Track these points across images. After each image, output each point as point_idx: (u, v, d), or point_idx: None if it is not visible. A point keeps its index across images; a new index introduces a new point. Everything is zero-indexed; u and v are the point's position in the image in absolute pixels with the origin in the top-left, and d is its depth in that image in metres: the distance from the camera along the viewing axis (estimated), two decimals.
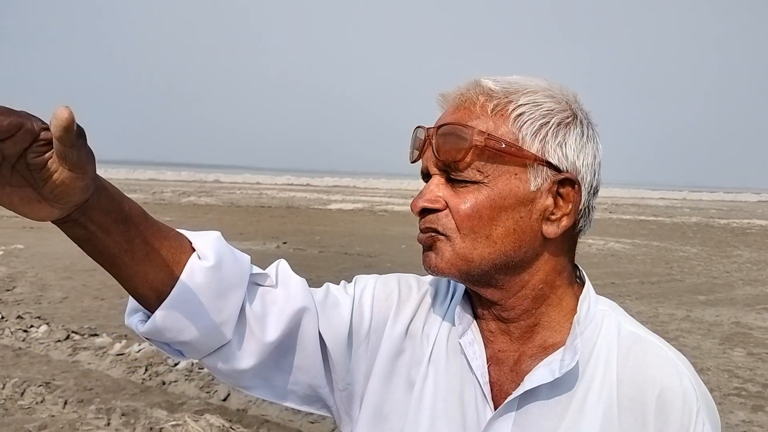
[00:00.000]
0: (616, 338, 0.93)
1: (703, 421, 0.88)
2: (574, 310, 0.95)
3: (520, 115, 0.90)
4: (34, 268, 10.43)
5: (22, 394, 4.93)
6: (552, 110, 0.91)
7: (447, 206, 0.91)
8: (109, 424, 4.52)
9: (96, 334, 6.46)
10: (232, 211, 26.97)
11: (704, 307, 9.58)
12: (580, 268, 1.02)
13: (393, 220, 26.17)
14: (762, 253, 17.72)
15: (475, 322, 0.99)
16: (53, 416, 4.56)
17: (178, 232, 0.97)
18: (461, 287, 1.05)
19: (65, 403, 4.78)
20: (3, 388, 5.01)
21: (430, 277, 1.09)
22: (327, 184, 74.30)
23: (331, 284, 1.09)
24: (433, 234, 0.92)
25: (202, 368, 5.60)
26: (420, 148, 0.94)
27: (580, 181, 0.92)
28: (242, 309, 0.95)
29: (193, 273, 0.89)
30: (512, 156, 0.89)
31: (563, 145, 0.91)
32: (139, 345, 6.00)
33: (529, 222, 0.91)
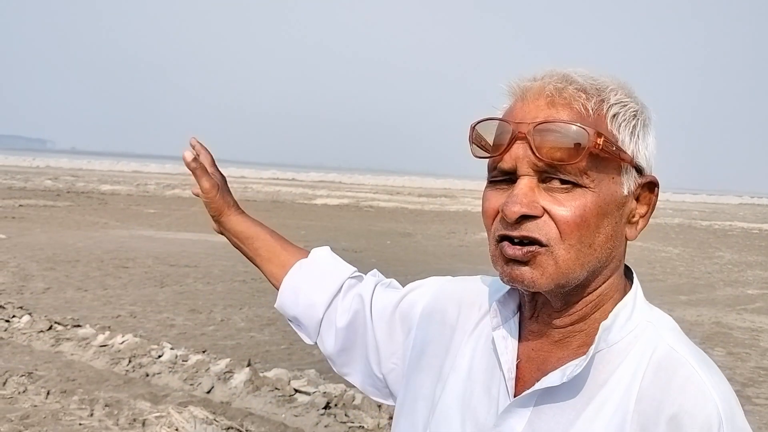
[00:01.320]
0: (650, 352, 0.86)
1: None
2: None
3: (615, 115, 0.86)
4: (16, 258, 10.32)
5: (4, 383, 4.88)
6: (636, 110, 0.89)
7: (545, 212, 0.83)
8: (92, 414, 4.49)
9: (79, 325, 6.41)
10: None
11: (685, 307, 9.69)
12: (631, 268, 0.96)
13: (379, 215, 26.16)
14: (743, 255, 17.94)
15: (516, 318, 0.96)
16: (36, 406, 4.52)
17: (300, 248, 1.34)
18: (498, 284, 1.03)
19: (48, 393, 4.74)
20: None
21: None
22: (313, 179, 74.04)
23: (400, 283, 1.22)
24: (534, 246, 0.83)
25: (186, 360, 5.59)
26: (505, 144, 0.85)
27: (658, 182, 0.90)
28: (333, 301, 1.19)
29: (300, 266, 1.26)
30: (615, 159, 0.85)
31: (647, 147, 0.89)
32: (123, 336, 5.97)
33: (620, 226, 0.88)
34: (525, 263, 0.84)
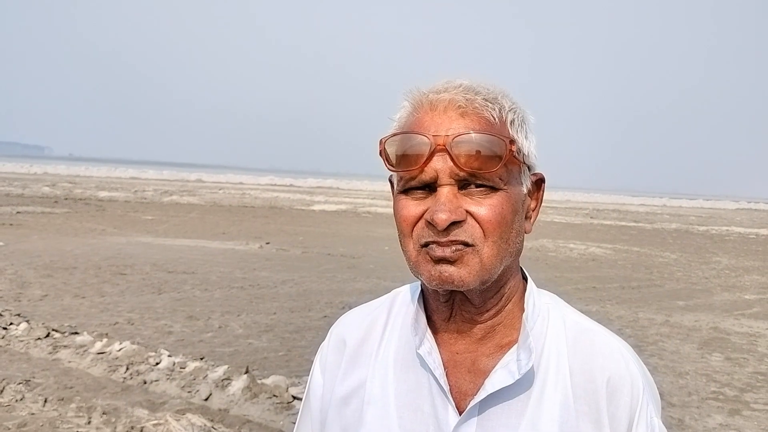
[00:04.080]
0: (563, 330, 0.96)
1: (647, 401, 0.93)
2: (524, 306, 0.97)
3: (512, 121, 0.92)
4: (13, 265, 10.30)
5: (1, 391, 4.86)
6: (523, 113, 0.95)
7: (467, 215, 0.88)
8: (89, 422, 4.48)
9: (77, 333, 6.39)
10: (214, 211, 26.79)
11: (683, 313, 9.69)
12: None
13: (376, 221, 26.16)
14: (740, 260, 17.96)
15: (429, 330, 0.98)
16: (33, 414, 4.51)
17: None
18: (405, 299, 1.05)
19: (45, 401, 4.72)
20: None
21: (360, 312, 1.11)
22: (310, 185, 74.14)
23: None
24: (461, 247, 0.88)
25: (184, 367, 5.58)
26: (426, 156, 0.88)
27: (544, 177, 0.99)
28: None
29: None
30: (518, 161, 0.92)
31: (531, 145, 0.95)
32: (120, 344, 5.96)
33: (522, 222, 0.95)
34: (452, 263, 0.88)
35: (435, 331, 0.98)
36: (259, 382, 5.25)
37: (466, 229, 0.88)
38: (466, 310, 0.96)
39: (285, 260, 13.08)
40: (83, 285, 9.18)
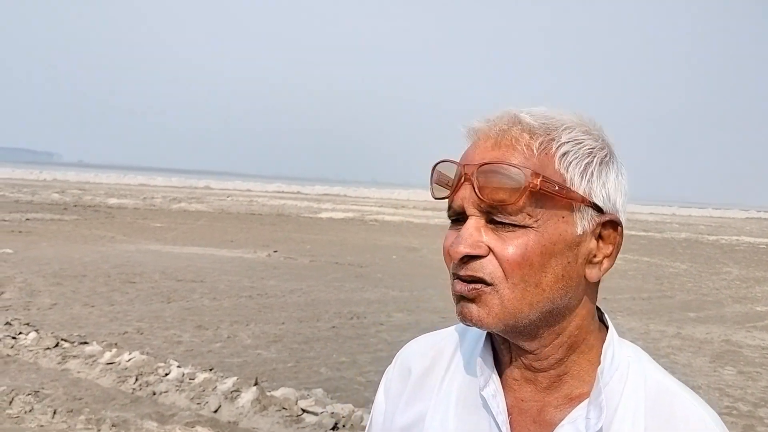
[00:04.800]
0: (643, 389, 0.89)
1: None
2: (600, 358, 0.90)
3: (565, 154, 0.85)
4: (22, 273, 10.33)
5: (11, 402, 4.86)
6: (593, 148, 0.87)
7: (490, 252, 0.84)
8: None
9: (86, 342, 6.39)
10: (222, 218, 26.84)
11: (695, 325, 9.61)
12: (603, 310, 0.96)
13: (383, 230, 26.14)
14: (750, 271, 17.82)
15: (496, 371, 0.94)
16: (42, 426, 4.50)
17: None
18: (474, 334, 1.01)
19: (54, 412, 4.71)
20: None
21: (429, 338, 1.08)
22: (317, 193, 74.23)
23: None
24: (478, 285, 0.85)
25: (193, 379, 5.56)
26: (452, 186, 0.87)
27: (621, 221, 0.89)
28: None
29: None
30: (562, 198, 0.84)
31: (606, 185, 0.87)
32: (130, 354, 5.95)
33: (575, 267, 0.86)
34: (472, 300, 0.85)
35: (501, 373, 0.93)
36: (268, 394, 5.22)
37: (485, 265, 0.84)
38: (523, 356, 0.91)
39: (293, 269, 13.06)
40: (93, 293, 9.18)
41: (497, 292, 0.83)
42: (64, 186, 48.69)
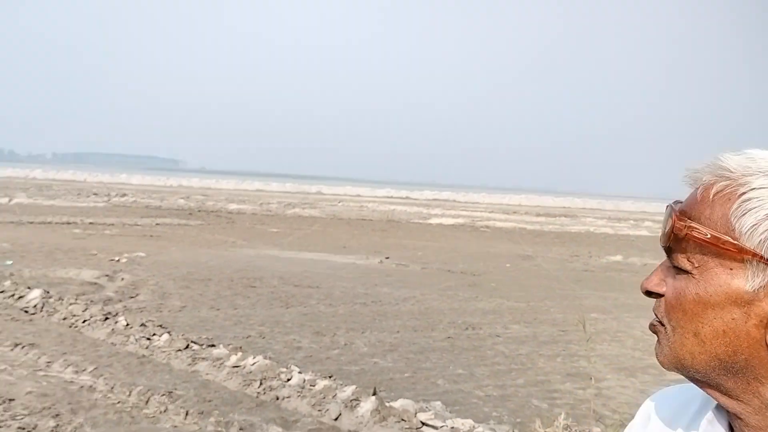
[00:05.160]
0: None
1: None
2: None
3: (746, 201, 0.77)
4: (154, 276, 10.99)
5: (147, 402, 5.15)
6: None
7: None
8: None
9: (213, 345, 6.67)
10: (335, 224, 27.45)
11: None
12: None
13: (495, 236, 25.74)
14: None
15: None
16: (176, 427, 4.73)
17: None
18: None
19: (186, 413, 4.94)
20: (129, 395, 5.26)
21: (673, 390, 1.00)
22: (427, 198, 74.36)
23: None
24: (656, 323, 0.85)
25: (314, 385, 5.65)
26: (663, 225, 0.87)
27: None
28: None
29: None
30: (726, 250, 0.77)
31: None
32: (254, 358, 6.15)
33: (744, 326, 0.77)
34: (658, 339, 0.86)
35: None
36: (387, 404, 5.22)
37: (660, 304, 0.84)
38: (735, 420, 0.82)
39: (405, 276, 13.10)
40: (218, 297, 9.62)
41: (666, 333, 0.83)
42: (189, 192, 51.70)
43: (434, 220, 33.01)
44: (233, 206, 34.01)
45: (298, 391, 5.59)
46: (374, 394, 5.40)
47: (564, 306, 10.79)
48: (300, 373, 5.92)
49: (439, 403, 5.48)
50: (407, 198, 71.51)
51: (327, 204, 44.48)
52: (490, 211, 48.27)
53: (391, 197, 71.51)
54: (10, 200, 27.76)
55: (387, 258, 15.89)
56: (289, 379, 5.82)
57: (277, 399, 5.50)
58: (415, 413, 5.15)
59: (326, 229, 24.56)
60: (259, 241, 18.45)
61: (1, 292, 8.62)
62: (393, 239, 21.82)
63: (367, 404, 5.23)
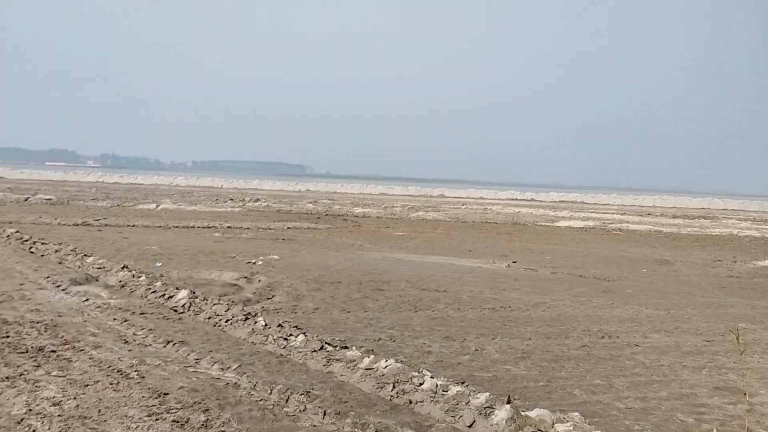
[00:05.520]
0: None
1: None
2: None
3: None
4: (288, 278, 11.43)
5: (287, 401, 5.34)
6: None
7: None
8: None
9: (346, 347, 6.82)
10: (458, 227, 27.31)
11: None
12: None
13: (629, 240, 24.54)
14: None
15: None
16: (315, 426, 4.86)
17: None
18: None
19: (324, 413, 5.07)
20: (270, 393, 5.48)
21: None
22: (552, 199, 72.36)
23: None
24: None
25: (446, 391, 5.62)
26: None
27: None
28: None
29: None
30: None
31: None
32: (386, 361, 6.21)
33: None
34: None
35: None
36: (523, 413, 5.09)
37: None
38: None
39: (534, 281, 12.78)
40: (348, 300, 9.85)
41: None
42: (316, 196, 53.52)
43: (562, 223, 32.00)
44: (358, 210, 34.78)
45: (431, 396, 5.58)
46: (508, 402, 5.28)
47: (708, 314, 10.07)
48: (432, 378, 5.91)
49: (577, 414, 5.26)
50: (532, 200, 69.90)
51: (450, 207, 44.38)
52: (621, 213, 46.11)
53: (515, 199, 70.20)
54: (157, 206, 30.04)
55: (514, 262, 15.58)
56: (421, 384, 5.83)
57: (410, 403, 5.52)
58: (553, 424, 4.98)
59: (450, 232, 24.49)
60: (385, 244, 18.72)
61: (153, 292, 9.31)
62: (519, 242, 21.38)
63: (502, 413, 5.12)
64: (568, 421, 5.06)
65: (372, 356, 6.46)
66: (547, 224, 31.16)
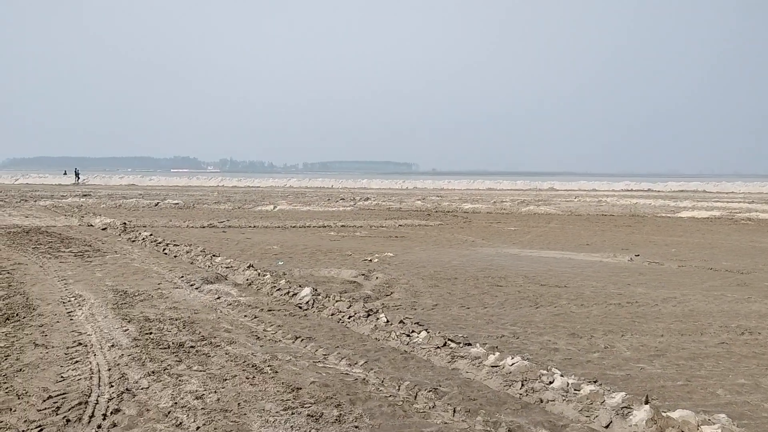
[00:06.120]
0: None
1: None
2: None
3: None
4: (404, 275, 11.52)
5: (415, 397, 5.36)
6: None
7: None
8: None
9: (469, 344, 6.77)
10: (573, 221, 26.49)
11: None
12: None
13: (760, 229, 22.85)
14: None
15: None
16: (446, 423, 4.85)
17: None
18: None
19: (454, 411, 5.05)
20: (398, 389, 5.53)
21: None
22: (671, 189, 68.81)
23: None
24: None
25: (578, 390, 5.44)
26: None
27: None
28: None
29: None
30: None
31: None
32: (512, 358, 6.10)
33: None
34: None
35: None
36: (664, 414, 4.84)
37: None
38: None
39: (660, 275, 12.15)
40: (466, 296, 9.78)
41: None
42: (424, 193, 53.65)
43: (684, 213, 30.28)
44: (467, 206, 34.52)
45: (563, 395, 5.43)
46: (647, 402, 5.04)
47: None
48: (562, 376, 5.75)
49: (723, 415, 4.94)
50: (649, 190, 66.77)
51: (561, 200, 43.13)
52: (749, 202, 43.02)
53: (631, 190, 67.30)
54: (274, 207, 31.22)
55: (637, 255, 14.89)
56: (551, 382, 5.68)
57: (541, 402, 5.39)
58: (698, 426, 4.70)
59: (564, 226, 23.79)
60: (498, 240, 18.45)
61: (278, 289, 9.67)
62: (639, 235, 20.42)
63: (641, 413, 4.89)
64: (714, 423, 4.76)
65: (497, 353, 6.37)
66: (669, 215, 29.56)
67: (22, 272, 11.05)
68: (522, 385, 5.69)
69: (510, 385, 5.73)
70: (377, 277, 11.27)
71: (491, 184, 75.77)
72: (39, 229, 18.46)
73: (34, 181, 67.14)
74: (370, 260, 13.31)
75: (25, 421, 4.73)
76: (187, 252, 13.59)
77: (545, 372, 5.85)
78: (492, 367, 6.14)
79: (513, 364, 6.08)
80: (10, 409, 4.95)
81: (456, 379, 5.88)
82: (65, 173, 68.57)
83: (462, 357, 6.47)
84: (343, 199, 40.30)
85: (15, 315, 7.91)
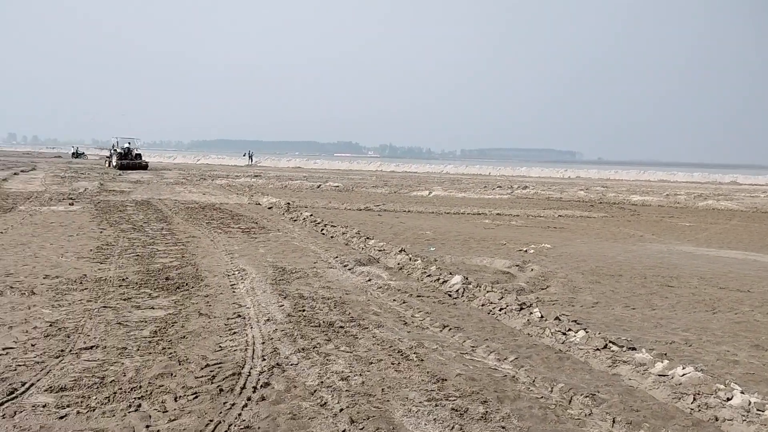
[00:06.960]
0: None
1: None
2: None
3: None
4: (562, 268, 10.89)
5: (570, 401, 4.94)
6: None
7: None
8: None
9: (634, 348, 6.16)
10: (758, 218, 23.92)
11: None
12: None
13: None
14: None
15: None
16: None
17: None
18: None
19: (613, 421, 4.58)
20: (551, 391, 5.13)
21: None
22: None
23: None
24: None
25: (762, 411, 4.74)
26: None
27: None
28: None
29: None
30: None
31: None
32: (683, 368, 5.45)
33: None
34: None
35: None
36: None
37: None
38: None
39: None
40: (631, 295, 9.01)
41: None
42: (587, 183, 51.15)
43: None
44: (636, 198, 32.34)
45: (743, 415, 4.74)
46: None
47: None
48: (743, 393, 5.03)
49: None
50: None
51: (745, 195, 39.14)
52: None
53: None
54: (429, 193, 31.29)
55: None
56: (729, 399, 4.99)
57: (716, 420, 4.75)
58: None
59: (748, 223, 21.47)
60: (670, 236, 17.00)
61: (428, 275, 9.51)
62: None
63: None
64: None
65: (665, 361, 5.73)
66: None
67: (194, 245, 11.86)
68: (694, 399, 5.05)
69: (680, 398, 5.11)
70: (532, 269, 10.75)
71: (664, 175, 70.63)
72: (213, 206, 19.86)
73: (213, 162, 72.94)
74: (526, 251, 12.77)
75: (183, 387, 4.94)
76: (343, 233, 13.89)
77: (722, 386, 5.16)
78: (659, 375, 5.53)
79: (684, 374, 5.43)
80: (171, 374, 5.20)
81: (617, 386, 5.35)
82: (245, 155, 73.65)
83: (625, 362, 5.90)
84: (500, 186, 39.46)
85: (185, 285, 8.44)
